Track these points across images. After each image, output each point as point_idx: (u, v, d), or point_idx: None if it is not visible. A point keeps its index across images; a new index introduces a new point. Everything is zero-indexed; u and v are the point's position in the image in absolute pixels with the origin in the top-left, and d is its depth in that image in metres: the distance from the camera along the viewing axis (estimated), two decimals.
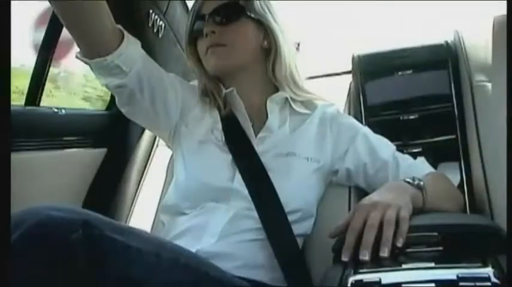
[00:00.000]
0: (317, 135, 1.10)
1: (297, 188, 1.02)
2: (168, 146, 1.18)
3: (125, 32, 0.97)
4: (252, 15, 1.06)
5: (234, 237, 0.97)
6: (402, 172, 1.03)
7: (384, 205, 0.79)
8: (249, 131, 1.07)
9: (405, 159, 1.08)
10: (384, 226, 0.75)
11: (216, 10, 1.05)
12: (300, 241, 1.03)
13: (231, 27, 1.05)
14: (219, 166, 1.04)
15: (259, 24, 1.07)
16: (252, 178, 1.01)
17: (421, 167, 1.08)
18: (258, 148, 1.05)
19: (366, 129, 1.13)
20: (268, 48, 1.09)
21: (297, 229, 1.01)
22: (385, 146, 1.09)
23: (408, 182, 0.90)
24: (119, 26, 0.96)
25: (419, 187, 0.89)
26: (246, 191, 1.00)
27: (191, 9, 1.10)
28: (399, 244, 0.74)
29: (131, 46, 0.97)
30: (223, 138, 1.07)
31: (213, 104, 1.11)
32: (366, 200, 0.83)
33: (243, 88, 1.09)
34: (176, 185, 1.07)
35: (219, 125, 1.09)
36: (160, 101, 1.05)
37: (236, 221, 0.98)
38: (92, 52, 0.93)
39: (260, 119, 1.10)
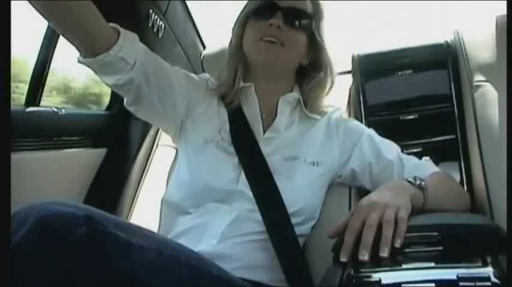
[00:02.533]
0: (324, 140, 1.10)
1: (300, 192, 1.02)
2: (174, 143, 1.17)
3: (120, 28, 0.96)
4: (314, 33, 1.08)
5: (235, 239, 0.97)
6: (407, 171, 1.03)
7: (382, 205, 0.79)
8: (258, 129, 1.07)
9: (409, 159, 1.08)
10: (383, 226, 0.75)
11: (292, 10, 1.06)
12: (300, 242, 1.03)
13: (297, 33, 1.06)
14: (223, 167, 1.03)
15: (312, 41, 1.09)
16: (257, 180, 1.01)
17: (426, 167, 1.07)
18: (265, 150, 1.05)
19: (371, 131, 1.13)
20: (306, 66, 1.11)
21: (299, 230, 1.01)
22: (390, 147, 1.09)
23: (409, 182, 0.89)
24: (112, 24, 0.95)
25: (420, 187, 0.89)
26: (250, 193, 1.00)
27: None
28: (397, 244, 0.74)
29: (129, 38, 0.96)
30: (230, 139, 1.06)
31: (225, 97, 1.10)
32: (365, 200, 0.83)
33: (261, 86, 1.09)
34: (180, 183, 1.06)
35: (227, 126, 1.08)
36: (168, 93, 1.04)
37: (238, 223, 0.98)
38: (91, 50, 0.92)
39: (269, 117, 1.10)
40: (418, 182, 0.89)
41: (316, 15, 1.09)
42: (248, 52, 1.08)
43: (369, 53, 1.45)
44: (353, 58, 1.46)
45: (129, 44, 0.95)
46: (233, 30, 1.12)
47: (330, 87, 1.12)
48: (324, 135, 1.11)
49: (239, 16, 1.11)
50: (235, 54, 1.10)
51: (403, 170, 1.04)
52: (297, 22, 1.06)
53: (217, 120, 1.09)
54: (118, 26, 0.96)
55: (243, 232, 0.98)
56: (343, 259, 0.74)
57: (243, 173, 1.02)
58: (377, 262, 0.72)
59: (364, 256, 0.72)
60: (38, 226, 0.67)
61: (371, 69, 1.42)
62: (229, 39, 1.13)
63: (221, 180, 1.02)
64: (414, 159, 1.09)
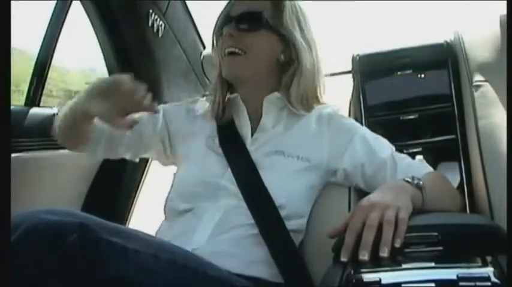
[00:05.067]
0: (312, 135, 1.09)
1: (282, 186, 1.02)
2: (175, 165, 1.20)
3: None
4: (276, 27, 1.07)
5: (227, 235, 0.97)
6: (400, 171, 1.03)
7: (382, 206, 0.78)
8: (247, 132, 1.09)
9: (403, 159, 1.07)
10: (383, 227, 0.75)
11: (242, 15, 1.07)
12: (294, 238, 1.02)
13: (250, 35, 1.06)
14: (210, 164, 1.06)
15: (281, 36, 1.08)
16: (243, 175, 1.03)
17: (420, 166, 1.07)
18: (250, 147, 1.07)
19: (365, 130, 1.13)
20: (286, 62, 1.09)
21: (287, 225, 1.01)
22: (384, 146, 1.09)
23: (407, 182, 0.89)
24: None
25: (418, 187, 0.88)
26: (235, 188, 1.01)
27: (223, 9, 1.12)
28: (397, 244, 0.74)
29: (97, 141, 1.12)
30: (218, 140, 1.09)
31: (214, 107, 1.12)
32: (365, 200, 0.82)
33: (247, 93, 1.10)
34: (172, 184, 1.10)
35: (215, 131, 1.11)
36: (147, 146, 1.17)
37: (227, 218, 0.99)
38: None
39: (256, 119, 1.11)
40: (416, 182, 0.89)
41: (275, 9, 1.08)
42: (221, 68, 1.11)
43: (368, 53, 1.45)
44: (353, 58, 1.45)
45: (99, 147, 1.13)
46: (212, 48, 1.15)
47: (320, 83, 1.12)
48: (313, 130, 1.10)
49: (212, 37, 1.15)
50: (217, 71, 1.13)
51: (396, 169, 1.04)
52: (249, 25, 1.06)
53: (206, 129, 1.12)
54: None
55: (233, 225, 0.98)
56: (343, 259, 0.74)
57: (229, 170, 1.04)
58: (377, 262, 0.72)
59: (364, 256, 0.72)
60: (28, 236, 0.68)
61: (371, 69, 1.41)
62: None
63: (207, 174, 1.04)
64: (408, 158, 1.09)
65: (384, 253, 0.72)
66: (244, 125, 1.10)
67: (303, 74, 1.08)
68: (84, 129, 1.07)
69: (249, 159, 1.05)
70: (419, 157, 1.12)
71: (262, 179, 1.01)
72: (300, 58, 1.07)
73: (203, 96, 1.22)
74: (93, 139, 1.11)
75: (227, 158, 1.06)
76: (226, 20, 1.09)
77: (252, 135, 1.09)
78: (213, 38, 1.14)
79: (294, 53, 1.08)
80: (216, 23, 1.12)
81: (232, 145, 1.08)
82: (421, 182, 0.89)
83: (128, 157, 1.19)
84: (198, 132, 1.13)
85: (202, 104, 1.17)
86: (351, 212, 0.82)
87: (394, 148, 1.10)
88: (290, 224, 1.01)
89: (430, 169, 1.09)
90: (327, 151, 1.08)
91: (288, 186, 1.03)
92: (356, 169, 1.07)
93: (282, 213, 1.00)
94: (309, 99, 1.11)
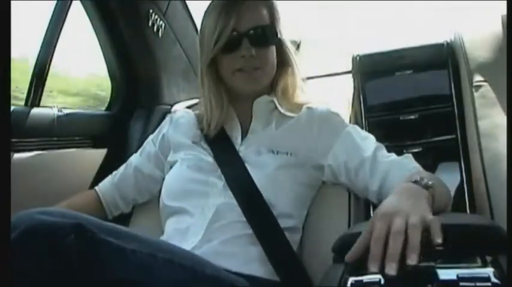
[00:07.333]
0: (302, 132, 1.09)
1: (269, 180, 1.02)
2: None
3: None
4: (280, 38, 1.09)
5: (221, 234, 0.97)
6: (382, 168, 1.01)
7: (405, 212, 0.69)
8: (237, 136, 1.10)
9: (386, 157, 1.04)
10: (408, 233, 0.66)
11: (254, 30, 1.04)
12: (290, 238, 1.02)
13: (266, 51, 1.07)
14: (199, 163, 1.07)
15: (278, 44, 1.10)
16: (231, 171, 1.03)
17: (405, 162, 1.03)
18: (240, 147, 1.08)
19: (352, 128, 1.12)
20: (277, 65, 1.11)
21: (280, 223, 1.00)
22: (368, 144, 1.07)
23: (415, 182, 0.82)
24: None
25: (426, 187, 0.81)
26: (224, 185, 1.02)
27: (219, 22, 1.04)
28: (439, 240, 0.66)
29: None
30: (207, 142, 1.10)
31: (209, 120, 1.10)
32: (384, 208, 0.73)
33: (236, 98, 1.12)
34: (162, 187, 1.12)
35: (203, 139, 1.12)
36: (154, 179, 1.21)
37: (220, 217, 0.99)
38: None
39: (246, 121, 1.12)
40: (423, 183, 0.82)
41: (273, 18, 1.09)
42: (228, 81, 1.09)
43: (369, 53, 1.45)
44: (353, 58, 1.46)
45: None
46: (201, 71, 1.10)
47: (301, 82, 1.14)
48: (303, 127, 1.10)
49: (202, 54, 1.09)
50: (215, 89, 1.09)
51: (377, 168, 1.01)
52: (264, 41, 1.06)
53: (194, 133, 1.13)
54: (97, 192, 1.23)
55: (225, 223, 0.98)
56: (373, 270, 0.65)
57: (218, 168, 1.04)
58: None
59: (393, 269, 0.63)
60: (27, 237, 0.68)
61: (371, 69, 1.41)
62: (201, 78, 1.11)
63: (196, 172, 1.05)
64: (392, 155, 1.05)
65: (413, 261, 0.63)
66: (234, 129, 1.11)
67: (294, 75, 1.11)
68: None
69: (238, 157, 1.06)
70: (407, 155, 1.08)
71: (251, 175, 1.02)
72: (291, 62, 1.10)
73: (190, 107, 1.23)
74: (109, 209, 1.22)
75: (216, 157, 1.07)
76: (235, 38, 1.04)
77: (242, 138, 1.10)
78: (211, 57, 1.06)
79: (285, 57, 1.10)
80: (219, 41, 1.03)
81: (221, 145, 1.09)
82: (429, 182, 0.82)
83: (147, 197, 1.23)
84: (185, 137, 1.14)
85: (186, 112, 1.20)
86: (369, 221, 0.72)
87: (379, 146, 1.07)
88: (282, 222, 1.01)
89: (416, 163, 1.02)
90: (315, 147, 1.08)
91: (275, 181, 1.03)
92: (340, 166, 1.07)
93: (272, 209, 1.00)
94: (296, 100, 1.13)
